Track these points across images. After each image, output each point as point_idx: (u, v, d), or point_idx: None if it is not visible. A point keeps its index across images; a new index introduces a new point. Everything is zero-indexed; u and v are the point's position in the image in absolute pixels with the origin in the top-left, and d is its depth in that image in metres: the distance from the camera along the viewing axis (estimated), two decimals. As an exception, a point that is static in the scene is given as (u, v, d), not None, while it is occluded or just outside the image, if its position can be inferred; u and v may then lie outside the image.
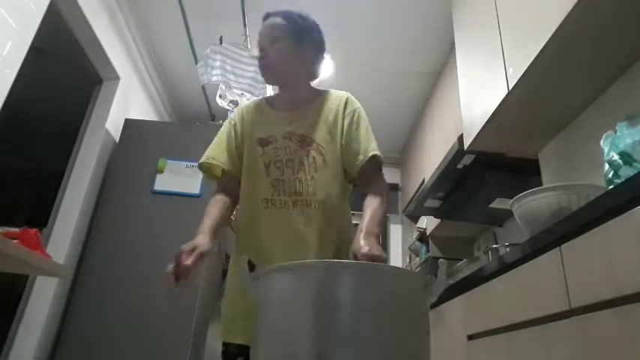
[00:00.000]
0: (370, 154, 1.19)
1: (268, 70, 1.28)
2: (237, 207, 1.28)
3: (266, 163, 1.22)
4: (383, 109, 3.70)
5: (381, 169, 1.23)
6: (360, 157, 1.20)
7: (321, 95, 1.32)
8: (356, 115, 1.27)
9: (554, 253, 1.00)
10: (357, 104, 1.31)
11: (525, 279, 1.13)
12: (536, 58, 1.52)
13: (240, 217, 1.25)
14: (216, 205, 1.21)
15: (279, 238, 1.16)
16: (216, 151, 1.29)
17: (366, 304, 0.60)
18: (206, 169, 1.30)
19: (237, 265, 1.20)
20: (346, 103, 1.29)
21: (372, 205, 1.11)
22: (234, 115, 1.36)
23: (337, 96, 1.32)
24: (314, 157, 1.21)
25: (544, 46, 1.46)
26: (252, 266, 0.88)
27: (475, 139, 2.04)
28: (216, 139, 1.33)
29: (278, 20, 1.27)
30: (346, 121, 1.25)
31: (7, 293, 2.42)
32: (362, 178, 1.22)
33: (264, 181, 1.20)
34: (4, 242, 1.08)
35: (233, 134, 1.30)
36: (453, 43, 2.52)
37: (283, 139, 1.23)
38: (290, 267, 0.68)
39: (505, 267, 1.24)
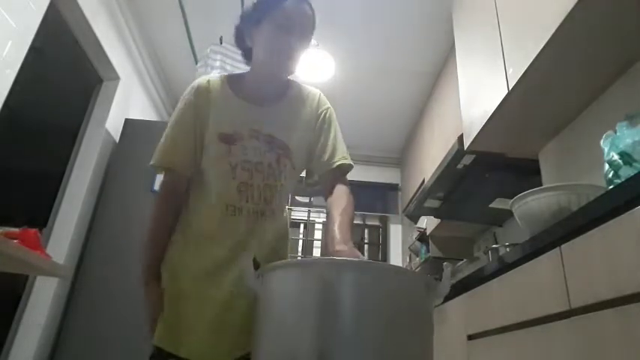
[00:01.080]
0: (342, 161, 1.13)
1: (295, 65, 1.11)
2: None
3: (232, 165, 1.05)
4: (383, 109, 3.70)
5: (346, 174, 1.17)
6: (334, 162, 1.13)
7: (292, 89, 1.18)
8: (328, 115, 1.18)
9: (554, 253, 1.00)
10: (328, 103, 1.21)
11: (525, 279, 1.13)
12: (536, 58, 1.52)
13: (191, 223, 1.08)
14: (165, 226, 1.09)
15: (246, 250, 1.02)
16: (172, 153, 1.08)
17: (367, 302, 0.60)
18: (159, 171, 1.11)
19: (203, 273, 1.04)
20: (319, 103, 1.19)
21: (341, 209, 1.03)
22: (194, 94, 1.10)
23: (310, 93, 1.20)
24: (285, 164, 1.09)
25: (544, 46, 1.46)
26: (256, 264, 0.87)
27: (475, 139, 2.04)
28: (170, 129, 1.09)
29: (307, 9, 1.10)
30: (318, 123, 1.16)
31: (7, 293, 2.42)
32: (328, 181, 1.14)
33: (228, 185, 1.05)
34: (4, 242, 1.08)
35: (192, 126, 1.07)
36: (453, 43, 2.52)
37: (250, 137, 1.07)
38: (294, 264, 0.68)
39: (505, 267, 1.24)
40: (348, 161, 1.15)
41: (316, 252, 4.24)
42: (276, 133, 1.09)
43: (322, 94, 1.22)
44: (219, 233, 1.05)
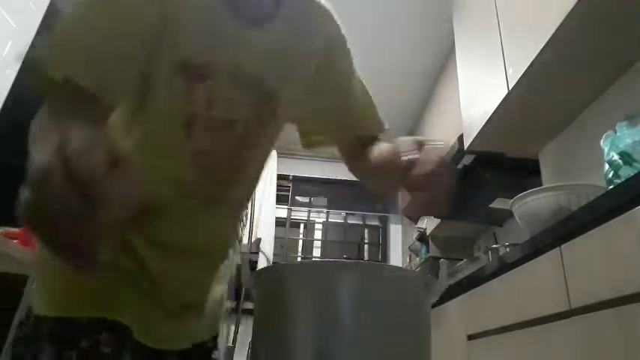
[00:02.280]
0: (377, 128, 0.84)
1: None
2: None
3: (189, 117, 0.65)
4: (382, 109, 3.69)
5: None
6: (379, 127, 0.84)
7: None
8: (344, 49, 0.81)
9: (554, 253, 1.00)
10: (342, 28, 0.80)
11: (525, 279, 1.13)
12: (536, 58, 1.52)
13: None
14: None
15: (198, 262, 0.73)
16: (100, 67, 0.57)
17: (366, 303, 0.60)
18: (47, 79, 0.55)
19: None
20: (327, 25, 0.78)
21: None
22: None
23: (316, 5, 0.76)
24: (270, 125, 0.73)
25: (544, 46, 1.46)
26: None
27: (475, 139, 2.04)
28: (91, 33, 0.57)
29: None
30: (328, 60, 0.78)
31: (7, 293, 2.42)
32: (351, 147, 0.84)
33: (179, 150, 0.66)
34: (4, 242, 1.08)
35: (136, 37, 0.59)
36: (453, 43, 2.52)
37: (230, 77, 0.66)
38: (292, 266, 0.68)
39: (505, 267, 1.24)
40: (384, 126, 0.84)
41: (316, 252, 4.24)
42: (266, 73, 0.69)
43: (333, 12, 0.79)
44: (152, 225, 0.66)
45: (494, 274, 1.30)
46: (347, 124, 0.83)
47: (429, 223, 3.26)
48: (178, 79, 0.63)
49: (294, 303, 0.59)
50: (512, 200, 1.41)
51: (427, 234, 3.30)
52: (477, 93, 2.09)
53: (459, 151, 2.27)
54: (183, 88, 0.64)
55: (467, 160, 2.29)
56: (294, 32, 0.72)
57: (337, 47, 0.80)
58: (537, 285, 1.06)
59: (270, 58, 0.70)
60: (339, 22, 0.79)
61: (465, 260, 2.78)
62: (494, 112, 1.84)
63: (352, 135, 0.83)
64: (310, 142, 0.85)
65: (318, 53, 0.76)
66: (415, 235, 3.55)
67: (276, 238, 3.67)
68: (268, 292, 0.63)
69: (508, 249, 1.76)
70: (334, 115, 0.82)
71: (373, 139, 0.81)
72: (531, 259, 1.11)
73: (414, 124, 3.89)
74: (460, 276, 1.97)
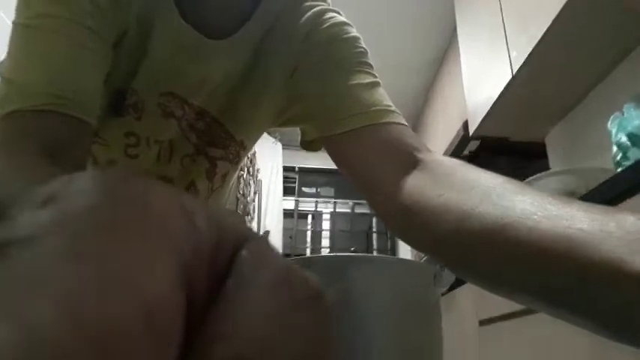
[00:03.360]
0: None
1: None
2: None
3: (110, 156, 0.57)
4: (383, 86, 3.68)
5: None
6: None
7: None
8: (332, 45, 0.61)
9: (563, 237, 1.00)
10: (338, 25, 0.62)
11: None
12: (539, 41, 1.50)
13: None
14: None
15: None
16: (71, 78, 0.44)
17: (375, 295, 0.60)
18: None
19: None
20: (309, 32, 0.59)
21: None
22: None
23: (301, 15, 0.59)
24: (223, 175, 0.65)
25: (547, 29, 1.44)
26: None
27: (480, 124, 2.03)
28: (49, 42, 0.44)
29: None
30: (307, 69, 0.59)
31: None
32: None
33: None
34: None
35: (97, 51, 0.46)
36: (455, 28, 2.50)
37: (160, 110, 0.56)
38: (300, 260, 0.68)
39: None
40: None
41: (325, 242, 4.26)
42: (217, 110, 0.58)
43: (324, 11, 0.61)
44: None
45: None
46: (338, 114, 0.53)
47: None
48: (106, 109, 0.53)
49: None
50: (519, 185, 1.40)
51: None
52: (480, 78, 2.08)
53: (464, 138, 2.26)
54: (105, 121, 0.54)
55: (473, 146, 2.28)
56: (262, 46, 0.58)
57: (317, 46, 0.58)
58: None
59: (222, 82, 0.57)
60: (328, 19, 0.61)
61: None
62: (499, 96, 1.82)
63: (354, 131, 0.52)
64: (306, 143, 0.67)
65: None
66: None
67: (284, 229, 3.70)
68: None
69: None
70: (322, 109, 0.57)
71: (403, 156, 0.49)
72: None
73: (418, 112, 3.87)
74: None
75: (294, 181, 4.32)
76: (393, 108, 0.53)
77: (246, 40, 0.55)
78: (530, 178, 1.35)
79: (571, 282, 0.29)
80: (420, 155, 0.48)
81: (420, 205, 0.42)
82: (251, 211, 3.19)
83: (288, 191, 4.08)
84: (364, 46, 0.60)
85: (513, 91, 1.77)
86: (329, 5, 0.63)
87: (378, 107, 0.52)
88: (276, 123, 0.65)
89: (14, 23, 0.45)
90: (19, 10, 0.45)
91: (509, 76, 1.71)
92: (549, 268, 0.30)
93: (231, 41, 0.54)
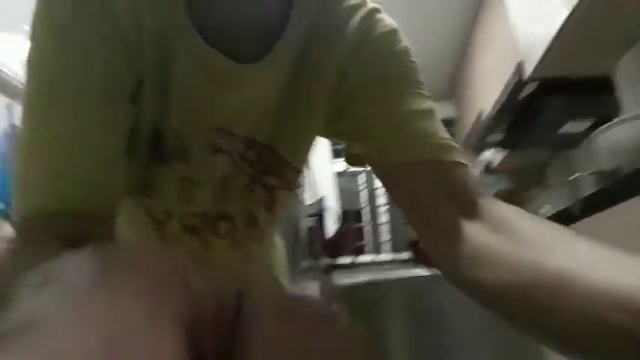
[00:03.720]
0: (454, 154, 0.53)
1: None
2: None
3: (158, 214, 0.54)
4: (423, 33, 3.48)
5: None
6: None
7: (301, 10, 0.49)
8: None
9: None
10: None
11: (616, 220, 1.06)
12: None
13: None
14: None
15: None
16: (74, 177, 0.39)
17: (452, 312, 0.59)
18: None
19: None
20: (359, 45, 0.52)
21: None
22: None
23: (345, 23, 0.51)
24: (282, 202, 0.60)
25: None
26: None
27: (537, 66, 1.88)
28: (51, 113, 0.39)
29: None
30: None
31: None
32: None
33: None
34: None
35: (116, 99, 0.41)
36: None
37: (213, 151, 0.51)
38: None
39: (591, 208, 1.17)
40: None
41: (379, 200, 4.24)
42: (265, 136, 0.54)
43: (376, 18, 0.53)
44: None
45: (579, 217, 1.23)
46: (390, 142, 0.50)
47: (494, 156, 3.14)
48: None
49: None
50: (586, 126, 1.29)
51: (494, 166, 3.18)
52: (534, 12, 1.90)
53: (520, 81, 2.11)
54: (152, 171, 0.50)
55: (530, 88, 2.13)
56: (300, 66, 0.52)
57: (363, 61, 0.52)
58: (629, 229, 0.99)
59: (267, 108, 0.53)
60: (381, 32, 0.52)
61: (536, 189, 2.67)
62: (557, 34, 1.66)
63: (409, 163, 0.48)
64: (352, 158, 0.63)
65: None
66: (480, 167, 3.44)
67: (339, 190, 3.72)
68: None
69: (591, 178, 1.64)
70: (372, 131, 0.52)
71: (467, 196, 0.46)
72: (623, 200, 1.03)
73: (462, 50, 3.65)
74: (529, 206, 1.88)
75: (340, 142, 4.27)
76: (456, 144, 0.49)
77: (280, 60, 0.49)
78: (606, 125, 1.24)
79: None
80: (482, 201, 0.46)
81: (481, 257, 0.41)
82: (301, 183, 3.22)
83: (336, 154, 4.05)
84: (414, 59, 0.53)
85: (574, 23, 1.61)
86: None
87: (442, 142, 0.48)
88: (324, 135, 0.60)
89: (25, 93, 0.40)
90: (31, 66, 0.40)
91: (568, 10, 1.55)
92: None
93: (264, 63, 0.47)
